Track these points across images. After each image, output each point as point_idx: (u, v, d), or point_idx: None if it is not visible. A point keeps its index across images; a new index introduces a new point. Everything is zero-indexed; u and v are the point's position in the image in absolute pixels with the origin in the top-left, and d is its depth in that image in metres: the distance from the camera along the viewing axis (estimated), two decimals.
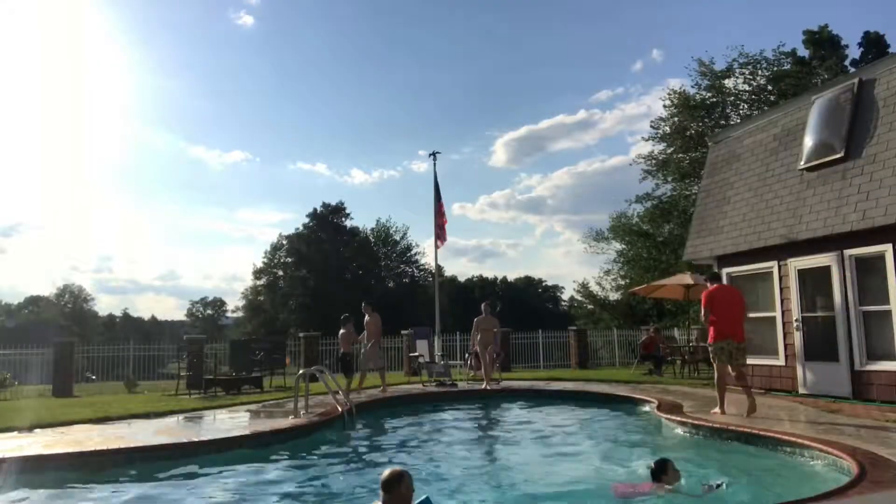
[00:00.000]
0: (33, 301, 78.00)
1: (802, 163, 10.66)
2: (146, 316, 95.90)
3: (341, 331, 12.45)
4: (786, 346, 10.77)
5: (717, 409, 8.58)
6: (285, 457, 7.28)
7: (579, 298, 41.77)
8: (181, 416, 9.89)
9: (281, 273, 60.00)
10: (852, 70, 25.48)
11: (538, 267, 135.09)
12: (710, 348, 8.80)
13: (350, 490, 5.86)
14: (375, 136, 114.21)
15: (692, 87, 27.54)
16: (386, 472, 3.91)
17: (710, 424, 7.74)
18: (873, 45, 30.57)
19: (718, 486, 5.17)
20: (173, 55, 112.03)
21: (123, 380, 16.13)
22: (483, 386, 12.70)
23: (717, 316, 8.56)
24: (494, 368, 14.79)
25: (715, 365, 8.78)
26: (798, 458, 6.29)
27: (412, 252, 61.72)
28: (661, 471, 5.25)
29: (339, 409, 9.20)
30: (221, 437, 7.67)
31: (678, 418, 8.35)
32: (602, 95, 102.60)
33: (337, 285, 53.62)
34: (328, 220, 58.82)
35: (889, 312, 9.00)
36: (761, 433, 6.95)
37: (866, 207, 9.23)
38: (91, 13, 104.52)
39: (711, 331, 8.68)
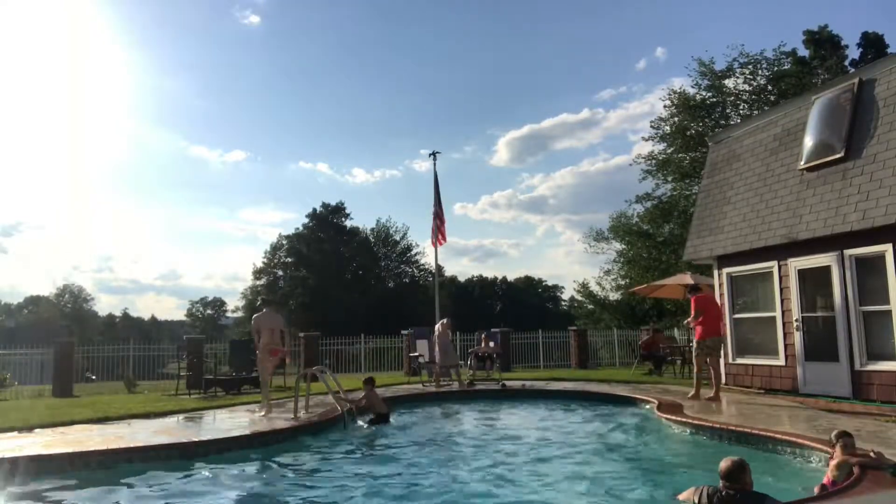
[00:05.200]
0: (33, 301, 77.97)
1: (802, 163, 10.67)
2: (146, 316, 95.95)
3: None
4: (786, 346, 10.78)
5: (693, 393, 10.22)
6: (285, 457, 7.29)
7: (579, 298, 41.81)
8: (181, 416, 9.89)
9: (281, 273, 60.05)
10: (852, 70, 25.49)
11: (539, 267, 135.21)
12: (696, 345, 10.38)
13: (349, 490, 5.86)
14: (377, 135, 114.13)
15: (692, 87, 27.57)
16: None
17: (711, 424, 7.74)
18: (873, 45, 30.57)
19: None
20: (175, 55, 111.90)
21: (123, 380, 16.12)
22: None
23: (706, 318, 10.16)
24: (494, 368, 14.86)
25: (697, 360, 10.39)
26: (798, 458, 6.30)
27: (412, 252, 61.85)
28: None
29: (339, 409, 9.20)
30: (221, 437, 7.68)
31: (678, 418, 8.36)
32: (605, 94, 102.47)
33: (337, 285, 53.68)
34: (328, 220, 58.91)
35: (889, 312, 9.01)
36: (761, 433, 6.96)
37: (866, 207, 9.23)
38: (92, 13, 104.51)
39: (700, 330, 10.20)
